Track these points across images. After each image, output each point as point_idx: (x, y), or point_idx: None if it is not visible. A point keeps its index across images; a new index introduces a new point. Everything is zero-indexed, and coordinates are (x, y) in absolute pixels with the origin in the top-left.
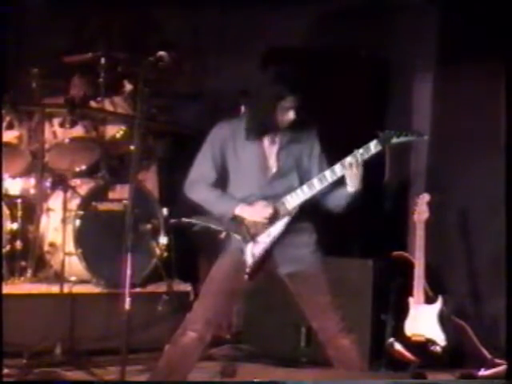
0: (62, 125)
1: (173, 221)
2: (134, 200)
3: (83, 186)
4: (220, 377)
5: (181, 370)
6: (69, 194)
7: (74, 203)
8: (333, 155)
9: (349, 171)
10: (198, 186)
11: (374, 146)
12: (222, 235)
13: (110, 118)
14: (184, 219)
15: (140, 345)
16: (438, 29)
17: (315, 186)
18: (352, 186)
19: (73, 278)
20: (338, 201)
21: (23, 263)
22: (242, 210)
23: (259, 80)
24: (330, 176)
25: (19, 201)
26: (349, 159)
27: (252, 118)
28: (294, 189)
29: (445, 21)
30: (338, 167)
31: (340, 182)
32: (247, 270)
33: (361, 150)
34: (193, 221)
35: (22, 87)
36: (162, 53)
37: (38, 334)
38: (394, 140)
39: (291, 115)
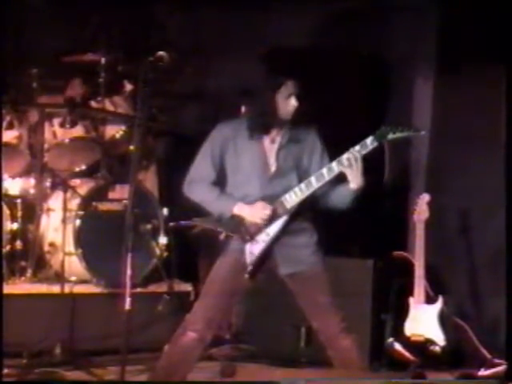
0: (61, 125)
1: (172, 224)
2: (133, 200)
3: (83, 186)
4: (220, 377)
5: (181, 370)
6: (69, 194)
7: (74, 203)
8: (333, 154)
9: (348, 169)
10: (197, 185)
11: (370, 142)
12: (222, 236)
13: (109, 118)
14: (182, 222)
15: (140, 345)
16: (438, 28)
17: (313, 184)
18: (354, 182)
19: (73, 278)
20: (342, 199)
21: (23, 263)
22: (240, 209)
23: (259, 74)
24: (327, 174)
25: (19, 201)
26: (346, 156)
27: (254, 113)
28: (292, 188)
29: (445, 20)
30: (335, 165)
31: (342, 179)
32: (247, 269)
33: (357, 147)
34: (191, 223)
35: (22, 87)
36: (161, 53)
37: (38, 334)
38: (390, 136)
39: (293, 102)
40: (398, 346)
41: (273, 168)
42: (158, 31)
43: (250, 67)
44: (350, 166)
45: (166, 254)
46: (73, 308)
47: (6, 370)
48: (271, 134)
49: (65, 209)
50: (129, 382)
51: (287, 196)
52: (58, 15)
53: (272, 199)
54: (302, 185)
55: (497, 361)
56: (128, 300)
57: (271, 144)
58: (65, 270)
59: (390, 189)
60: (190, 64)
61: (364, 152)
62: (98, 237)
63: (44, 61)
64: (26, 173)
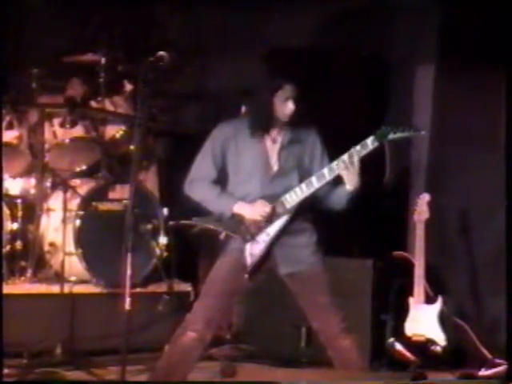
0: (62, 125)
1: (171, 223)
2: (134, 200)
3: (83, 186)
4: (220, 377)
5: (181, 370)
6: (69, 193)
7: (74, 203)
8: (334, 154)
9: (345, 171)
10: (198, 184)
11: (371, 142)
12: (222, 236)
13: (110, 118)
14: (183, 221)
15: (140, 345)
16: (438, 28)
17: (314, 184)
18: (350, 184)
19: (73, 278)
20: (338, 200)
21: (23, 263)
22: (240, 208)
23: (257, 76)
24: (328, 174)
25: (19, 201)
26: (344, 157)
27: (253, 114)
28: (293, 188)
29: (445, 20)
30: (335, 165)
31: (340, 181)
32: (247, 269)
33: (358, 147)
34: (191, 222)
35: (22, 87)
36: (161, 53)
37: (38, 334)
38: (391, 136)
39: (290, 106)
40: (398, 346)
41: (275, 168)
42: (158, 31)
43: (250, 67)
44: (347, 167)
45: (165, 253)
46: (73, 308)
47: (6, 370)
48: (272, 133)
49: (65, 209)
50: (129, 382)
51: (287, 196)
52: (58, 15)
53: (273, 199)
54: (303, 185)
55: (497, 361)
56: (128, 300)
57: (272, 144)
58: (65, 270)
59: (390, 189)
60: (190, 64)
61: (365, 152)
62: (98, 237)
63: (44, 61)
64: (26, 173)
